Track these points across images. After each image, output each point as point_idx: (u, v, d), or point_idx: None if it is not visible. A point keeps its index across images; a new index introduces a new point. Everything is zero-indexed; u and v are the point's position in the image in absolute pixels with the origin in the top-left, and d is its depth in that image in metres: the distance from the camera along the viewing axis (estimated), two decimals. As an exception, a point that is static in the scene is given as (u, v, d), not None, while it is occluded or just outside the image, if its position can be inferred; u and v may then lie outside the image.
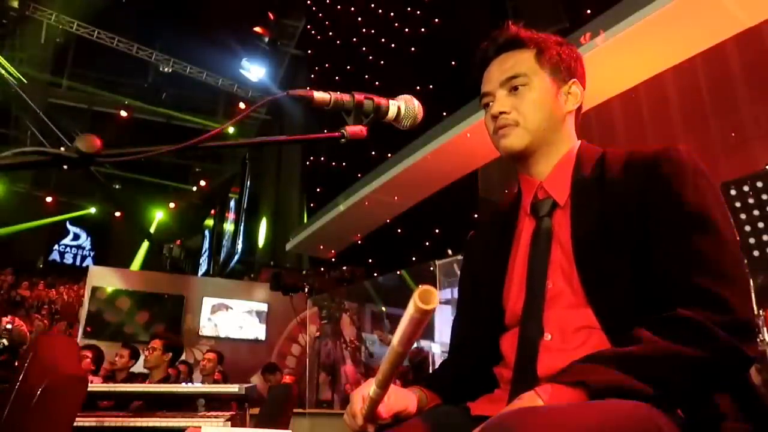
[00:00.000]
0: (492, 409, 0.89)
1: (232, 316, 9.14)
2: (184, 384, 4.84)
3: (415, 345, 6.94)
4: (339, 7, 11.24)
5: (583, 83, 1.13)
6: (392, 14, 9.83)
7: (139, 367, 4.83)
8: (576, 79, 1.11)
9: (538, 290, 0.99)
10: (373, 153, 8.19)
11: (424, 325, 0.76)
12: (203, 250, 18.81)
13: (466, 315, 1.20)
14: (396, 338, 0.80)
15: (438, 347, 6.30)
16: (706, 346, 0.81)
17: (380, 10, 10.11)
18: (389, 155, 7.57)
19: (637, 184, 0.97)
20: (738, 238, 1.01)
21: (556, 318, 0.96)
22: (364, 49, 10.20)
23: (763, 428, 0.85)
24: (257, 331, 9.18)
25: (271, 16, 12.83)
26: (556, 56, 1.10)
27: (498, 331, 1.06)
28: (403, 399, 0.99)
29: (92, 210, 17.95)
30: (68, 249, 18.93)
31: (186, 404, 3.40)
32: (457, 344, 1.19)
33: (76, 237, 19.05)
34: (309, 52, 12.65)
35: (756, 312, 2.79)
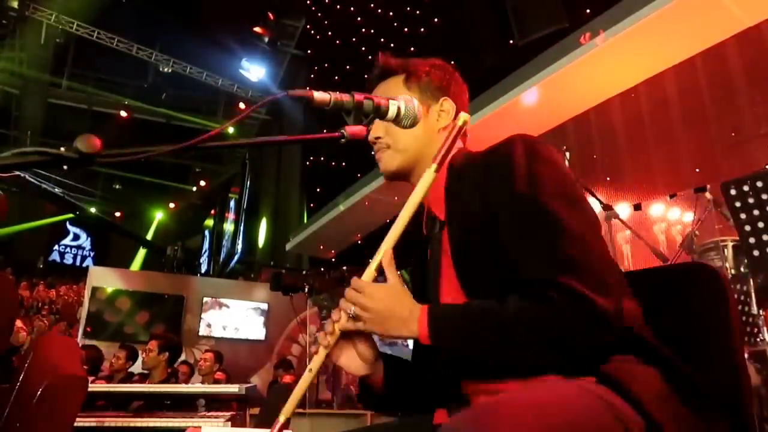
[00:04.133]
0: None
1: (228, 315, 9.13)
2: (184, 384, 4.84)
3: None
4: (339, 7, 11.23)
5: (459, 99, 1.17)
6: (392, 14, 9.82)
7: (139, 367, 4.84)
8: (448, 97, 1.16)
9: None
10: (373, 153, 8.18)
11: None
12: (203, 250, 18.80)
13: None
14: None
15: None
16: (541, 303, 0.83)
17: (380, 10, 10.10)
18: (389, 155, 7.55)
19: (478, 184, 0.99)
20: (593, 219, 0.93)
21: None
22: (364, 49, 10.20)
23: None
24: (257, 331, 9.17)
25: (271, 16, 12.82)
26: (424, 77, 1.16)
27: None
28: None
29: (92, 210, 17.96)
30: (68, 249, 18.95)
31: (186, 404, 3.40)
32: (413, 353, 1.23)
33: (76, 237, 19.06)
34: (309, 52, 12.64)
35: (756, 312, 2.79)
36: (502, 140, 0.99)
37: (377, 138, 1.15)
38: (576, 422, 0.74)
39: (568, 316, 0.81)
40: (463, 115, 1.02)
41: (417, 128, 1.07)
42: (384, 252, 1.00)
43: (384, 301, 0.95)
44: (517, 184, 0.91)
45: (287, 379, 6.32)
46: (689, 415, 0.82)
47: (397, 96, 1.10)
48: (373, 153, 1.23)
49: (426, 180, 1.00)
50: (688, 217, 4.55)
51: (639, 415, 0.78)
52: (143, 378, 4.56)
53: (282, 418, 0.96)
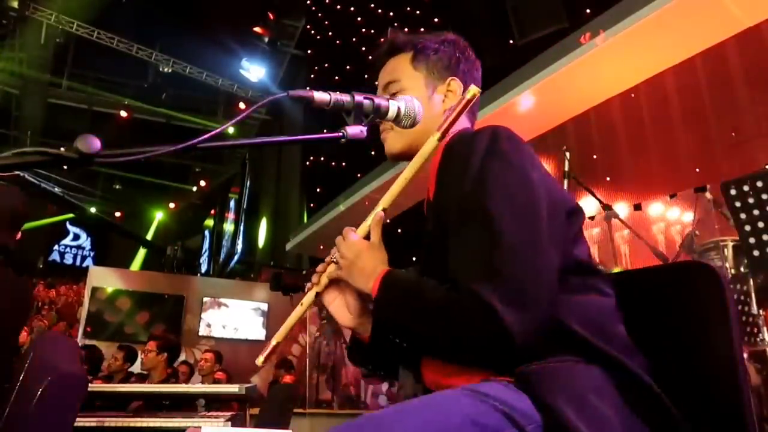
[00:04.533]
0: None
1: (228, 315, 9.13)
2: (184, 384, 4.84)
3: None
4: (339, 7, 11.24)
5: (468, 77, 1.15)
6: (392, 14, 9.83)
7: (138, 368, 4.84)
8: (456, 76, 1.13)
9: None
10: (373, 153, 8.19)
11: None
12: (203, 250, 18.80)
13: None
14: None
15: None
16: (447, 300, 0.85)
17: (380, 10, 10.10)
18: (389, 155, 7.55)
19: (444, 172, 0.99)
20: (539, 226, 0.88)
21: None
22: (364, 49, 10.20)
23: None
24: (257, 331, 9.17)
25: (271, 16, 12.82)
26: (432, 56, 1.13)
27: None
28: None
29: (92, 210, 17.95)
30: (68, 249, 18.94)
31: (186, 404, 3.40)
32: None
33: (76, 237, 19.05)
34: (309, 52, 12.64)
35: (756, 312, 2.79)
36: (479, 129, 0.98)
37: None
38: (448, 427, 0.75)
39: (469, 324, 0.81)
40: (473, 88, 1.00)
41: (423, 111, 1.07)
42: (375, 213, 1.04)
43: (357, 253, 1.00)
44: (466, 181, 0.90)
45: (287, 379, 6.31)
46: (632, 413, 0.81)
47: (402, 83, 1.11)
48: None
49: (427, 147, 1.00)
50: (688, 216, 4.56)
51: (539, 412, 0.78)
52: (142, 378, 4.56)
53: (274, 342, 1.04)
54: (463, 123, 1.14)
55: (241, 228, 15.00)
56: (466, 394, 0.80)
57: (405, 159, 1.14)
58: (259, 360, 1.06)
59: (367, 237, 1.04)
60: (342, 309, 1.09)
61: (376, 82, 1.20)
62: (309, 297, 1.07)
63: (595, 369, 0.84)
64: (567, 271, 0.90)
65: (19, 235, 2.11)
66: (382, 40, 1.19)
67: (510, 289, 0.81)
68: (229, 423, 2.92)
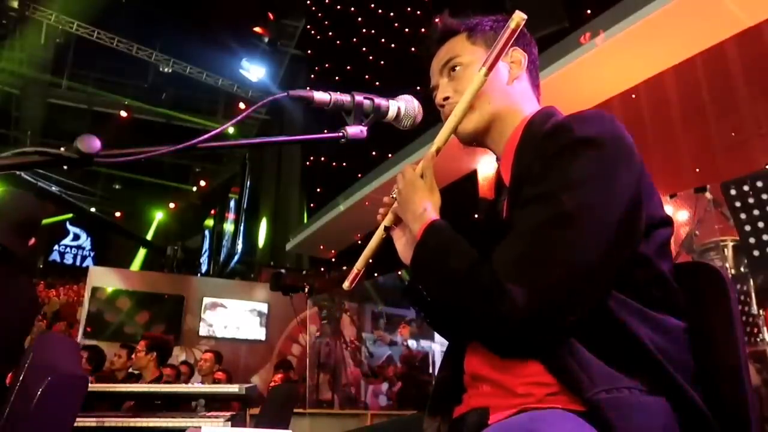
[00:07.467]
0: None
1: (228, 315, 9.12)
2: (184, 384, 4.84)
3: (415, 345, 6.94)
4: (339, 7, 11.23)
5: (528, 50, 1.09)
6: (392, 14, 9.82)
7: (138, 368, 4.84)
8: (516, 46, 1.06)
9: None
10: (373, 153, 8.18)
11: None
12: (203, 250, 18.79)
13: None
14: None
15: (438, 347, 6.30)
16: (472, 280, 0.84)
17: (380, 10, 10.10)
18: (389, 155, 7.56)
19: (534, 159, 0.91)
20: (610, 236, 0.83)
21: None
22: (364, 49, 10.19)
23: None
24: (257, 331, 9.17)
25: (271, 16, 12.82)
26: (488, 29, 1.07)
27: None
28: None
29: (92, 210, 17.94)
30: (68, 249, 18.92)
31: (186, 404, 3.40)
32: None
33: (76, 237, 19.04)
34: (309, 52, 12.63)
35: (756, 312, 2.79)
36: (577, 117, 0.90)
37: (446, 99, 1.07)
38: None
39: (476, 299, 0.83)
40: (517, 15, 0.93)
41: (488, 85, 1.00)
42: (428, 152, 1.03)
43: (409, 191, 1.00)
44: (549, 178, 0.85)
45: (277, 378, 6.22)
46: None
47: (463, 57, 1.06)
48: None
49: (475, 84, 0.98)
50: (682, 215, 4.55)
51: None
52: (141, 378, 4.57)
53: (354, 270, 1.08)
54: (528, 93, 1.09)
55: (241, 228, 14.99)
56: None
57: (476, 142, 1.08)
58: (346, 285, 1.12)
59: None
60: (406, 246, 1.05)
61: (432, 68, 1.13)
62: (379, 230, 1.08)
63: (663, 402, 0.81)
64: (648, 282, 0.88)
65: (32, 242, 2.11)
66: (428, 29, 1.14)
67: (538, 291, 0.79)
68: (229, 423, 2.92)
